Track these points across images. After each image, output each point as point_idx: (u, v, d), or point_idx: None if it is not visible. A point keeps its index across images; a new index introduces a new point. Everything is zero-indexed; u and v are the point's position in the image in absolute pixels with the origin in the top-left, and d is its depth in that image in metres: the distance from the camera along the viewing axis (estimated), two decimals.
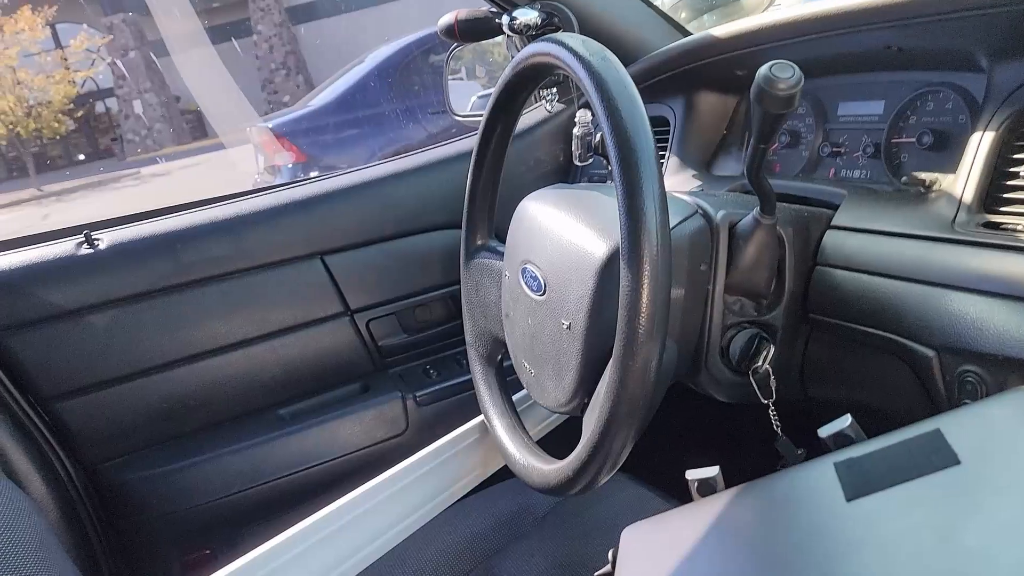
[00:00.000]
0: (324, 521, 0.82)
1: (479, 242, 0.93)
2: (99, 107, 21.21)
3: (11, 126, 16.57)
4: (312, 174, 5.04)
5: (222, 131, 14.06)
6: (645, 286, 0.56)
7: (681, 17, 1.25)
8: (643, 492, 1.00)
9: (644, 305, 0.56)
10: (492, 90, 0.83)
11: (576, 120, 1.13)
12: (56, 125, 16.92)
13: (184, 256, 1.10)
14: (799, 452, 0.71)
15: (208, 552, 1.17)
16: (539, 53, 0.71)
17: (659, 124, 1.14)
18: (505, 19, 1.07)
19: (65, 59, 17.87)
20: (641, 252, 0.56)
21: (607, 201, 0.76)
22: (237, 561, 0.74)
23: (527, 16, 1.05)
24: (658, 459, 1.08)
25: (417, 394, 1.23)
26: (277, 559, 0.77)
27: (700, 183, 1.04)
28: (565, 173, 1.30)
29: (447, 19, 1.12)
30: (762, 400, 0.78)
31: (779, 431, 0.75)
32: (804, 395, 0.86)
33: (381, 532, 0.87)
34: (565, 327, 0.70)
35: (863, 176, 0.87)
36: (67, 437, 1.08)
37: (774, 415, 0.77)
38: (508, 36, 1.10)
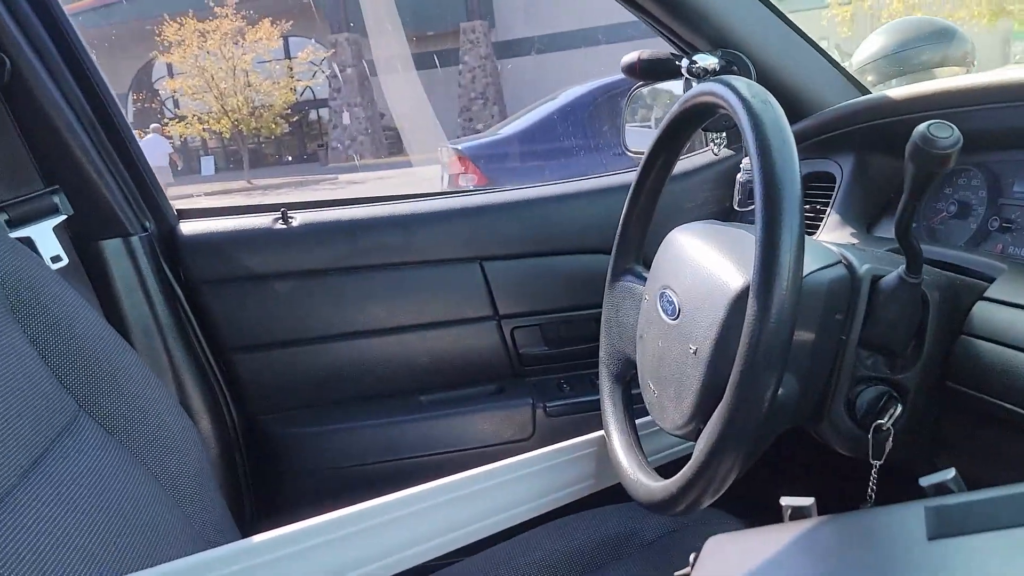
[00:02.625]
0: (434, 491, 0.87)
1: (625, 266, 0.97)
2: (312, 115, 23.34)
3: (236, 123, 18.66)
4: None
5: (411, 148, 14.99)
6: (769, 318, 0.58)
7: (867, 80, 1.24)
8: (736, 525, 0.99)
9: (765, 336, 0.58)
10: None
11: (741, 166, 1.17)
12: (274, 127, 18.85)
13: (361, 242, 1.24)
14: None
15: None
16: (705, 92, 0.76)
17: (826, 180, 1.14)
18: (685, 62, 1.12)
19: (291, 68, 19.88)
20: (770, 285, 0.58)
21: (752, 239, 0.79)
22: (347, 508, 0.81)
23: (707, 61, 1.10)
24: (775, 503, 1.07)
25: (548, 404, 1.29)
26: (384, 515, 0.83)
27: (857, 241, 1.03)
28: (726, 217, 1.32)
29: (630, 57, 1.19)
30: (871, 460, 0.77)
31: (872, 497, 0.74)
32: (932, 465, 0.83)
33: (487, 514, 0.93)
34: (692, 352, 0.73)
35: None
36: (237, 386, 1.24)
37: (874, 478, 0.76)
38: (687, 79, 1.15)
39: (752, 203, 0.88)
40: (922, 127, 0.65)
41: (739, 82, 0.71)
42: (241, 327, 1.24)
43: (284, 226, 1.22)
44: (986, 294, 0.78)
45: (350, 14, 19.50)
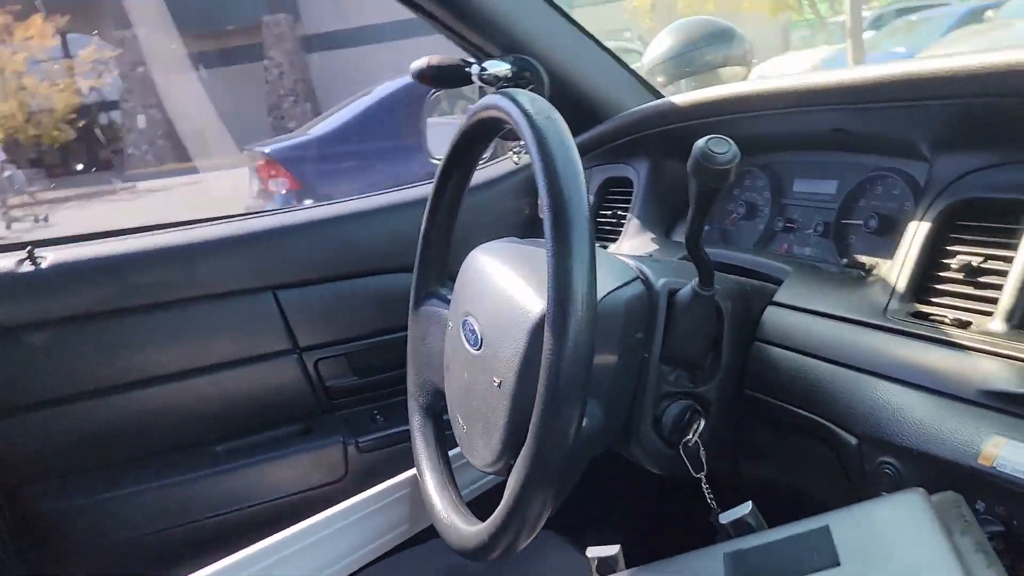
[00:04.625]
0: (245, 562, 0.79)
1: (429, 290, 0.92)
2: (103, 119, 21.33)
3: (11, 131, 16.62)
4: (306, 202, 5.05)
5: (197, 155, 14.16)
6: (565, 348, 0.56)
7: (657, 81, 1.26)
8: (578, 559, 0.97)
9: (563, 367, 0.56)
10: None
11: None
12: (56, 133, 16.98)
13: (130, 279, 1.08)
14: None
15: None
16: (490, 107, 0.72)
17: (623, 184, 1.14)
18: (475, 68, 1.07)
19: (72, 68, 18.03)
20: (564, 314, 0.56)
21: None
22: None
23: (498, 68, 1.06)
24: (600, 526, 1.06)
25: (360, 440, 1.20)
26: None
27: (657, 247, 1.04)
28: (531, 226, 1.30)
29: (420, 63, 1.12)
30: (693, 474, 0.76)
31: (713, 504, 0.74)
32: (735, 471, 0.84)
33: None
34: (496, 385, 0.69)
35: (812, 254, 0.87)
36: None
37: (707, 489, 0.76)
38: (480, 86, 1.10)
39: None
40: (701, 143, 0.64)
41: (522, 96, 0.67)
42: None
43: (32, 267, 1.04)
44: (775, 298, 0.80)
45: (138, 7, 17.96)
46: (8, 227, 10.36)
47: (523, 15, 1.07)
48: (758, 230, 0.95)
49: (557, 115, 0.64)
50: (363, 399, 1.25)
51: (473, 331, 0.75)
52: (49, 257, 1.05)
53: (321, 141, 5.73)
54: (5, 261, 1.04)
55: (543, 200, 0.59)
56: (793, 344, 0.74)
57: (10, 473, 1.07)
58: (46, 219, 10.55)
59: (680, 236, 1.06)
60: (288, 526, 0.85)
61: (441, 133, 1.68)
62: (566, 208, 0.58)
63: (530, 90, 1.06)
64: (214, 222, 1.17)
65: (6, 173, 11.26)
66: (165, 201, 11.96)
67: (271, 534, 0.84)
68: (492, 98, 0.71)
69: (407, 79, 5.58)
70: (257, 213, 1.22)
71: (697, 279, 0.74)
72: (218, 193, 10.73)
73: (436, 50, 1.17)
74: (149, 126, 18.52)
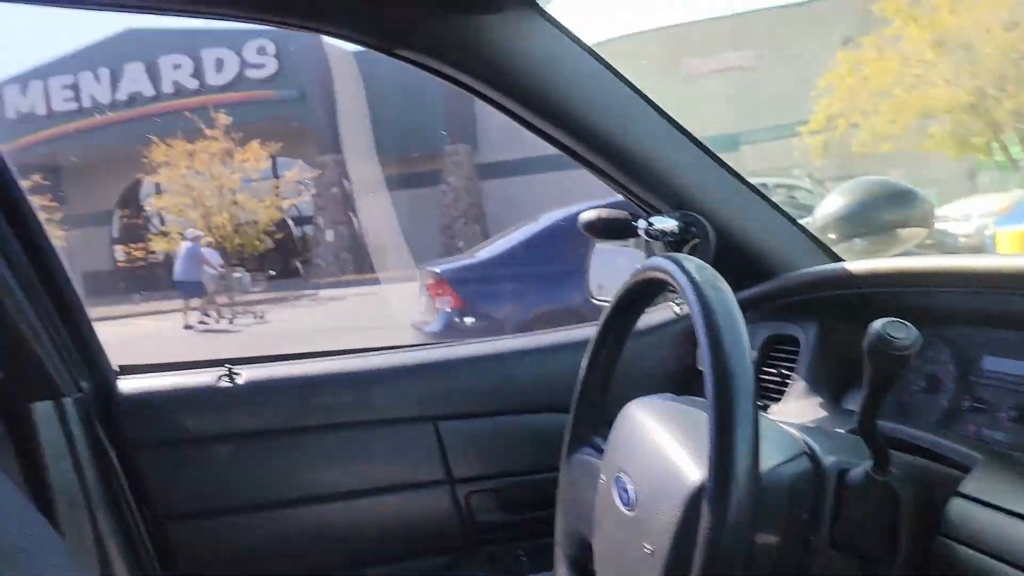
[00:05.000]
0: None
1: (583, 437, 0.92)
2: (297, 232, 23.67)
3: (220, 239, 18.83)
4: (467, 320, 5.26)
5: (380, 267, 15.22)
6: (725, 524, 0.54)
7: (829, 238, 1.23)
8: None
9: (722, 544, 0.54)
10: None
11: None
12: (257, 243, 19.04)
13: (310, 400, 1.17)
14: None
15: None
16: (656, 269, 0.74)
17: (789, 342, 1.11)
18: (642, 223, 1.11)
19: (278, 187, 20.33)
20: (725, 488, 0.55)
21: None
22: None
23: (665, 224, 1.09)
24: None
25: None
26: None
27: (826, 414, 0.98)
28: (687, 377, 1.28)
29: (589, 216, 1.18)
30: None
31: None
32: None
33: None
34: (649, 552, 0.67)
35: (1007, 440, 0.79)
36: (170, 557, 1.14)
37: None
38: (646, 240, 1.13)
39: None
40: (878, 326, 0.62)
41: (689, 263, 0.69)
42: (178, 493, 1.15)
43: (229, 384, 1.16)
44: (961, 489, 0.73)
45: (337, 138, 20.16)
46: (231, 321, 11.67)
47: (691, 172, 1.10)
48: (941, 407, 0.88)
49: (724, 285, 0.65)
50: (510, 536, 1.25)
51: (626, 490, 0.74)
52: (244, 375, 1.17)
53: (487, 264, 5.98)
54: (207, 376, 1.16)
55: (708, 373, 0.60)
56: (984, 546, 0.67)
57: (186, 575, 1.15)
58: (263, 316, 11.76)
59: (851, 403, 1.00)
60: None
61: (605, 262, 1.71)
62: (731, 382, 0.58)
63: (696, 245, 1.08)
64: (383, 351, 1.25)
65: (235, 275, 12.86)
66: (340, 308, 12.88)
67: None
68: (659, 261, 0.73)
69: (571, 209, 5.77)
70: (425, 345, 1.29)
71: (871, 462, 0.70)
72: (391, 305, 11.48)
73: (597, 182, 1.22)
74: (335, 240, 20.29)
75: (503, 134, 20.79)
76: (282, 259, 21.58)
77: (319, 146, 20.54)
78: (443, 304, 5.54)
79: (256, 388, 1.17)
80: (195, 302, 11.82)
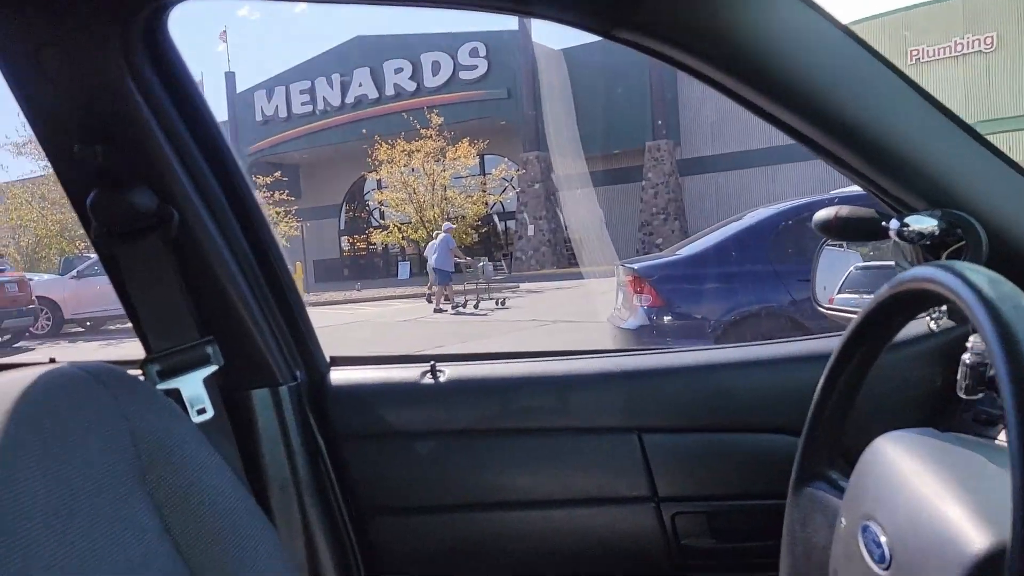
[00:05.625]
0: None
1: (816, 469, 0.80)
2: (500, 226, 24.55)
3: (431, 233, 19.99)
4: (665, 319, 5.12)
5: (584, 261, 15.33)
6: None
7: None
8: None
9: None
10: (873, 265, 0.73)
11: (968, 345, 0.94)
12: (464, 236, 19.96)
13: (511, 402, 1.14)
14: None
15: None
16: (929, 280, 0.60)
17: None
18: (894, 223, 0.95)
19: (484, 184, 21.18)
20: None
21: (997, 473, 0.60)
22: None
23: (923, 224, 0.92)
24: None
25: None
26: None
27: None
28: (940, 403, 1.09)
29: (827, 214, 1.03)
30: None
31: None
32: None
33: None
34: None
35: None
36: (370, 550, 1.16)
37: None
38: (896, 242, 0.97)
39: (982, 392, 0.69)
40: None
41: (977, 275, 0.55)
42: (381, 487, 1.17)
43: (432, 380, 1.16)
44: None
45: (541, 135, 20.59)
46: (476, 307, 12.68)
47: (955, 162, 0.92)
48: None
49: None
50: (719, 566, 1.14)
51: (878, 543, 0.62)
52: (447, 372, 1.16)
53: (688, 262, 5.80)
54: (412, 372, 1.17)
55: (1011, 416, 0.47)
56: None
57: (384, 570, 1.17)
58: (503, 303, 12.67)
59: None
60: None
61: (833, 264, 1.53)
62: None
63: (959, 250, 0.90)
64: (591, 356, 1.19)
65: (480, 263, 13.73)
66: (540, 300, 13.22)
67: None
68: (931, 269, 0.60)
69: (777, 207, 5.43)
70: (632, 351, 1.21)
71: None
72: (589, 301, 11.57)
73: (803, 176, 1.07)
74: (536, 235, 20.75)
75: (706, 130, 20.16)
76: (487, 252, 22.49)
77: (524, 143, 21.11)
78: (641, 302, 5.44)
79: (458, 386, 1.15)
80: (447, 288, 13.05)
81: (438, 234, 13.46)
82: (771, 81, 0.86)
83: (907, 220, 0.93)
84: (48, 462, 0.66)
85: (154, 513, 0.74)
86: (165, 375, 0.99)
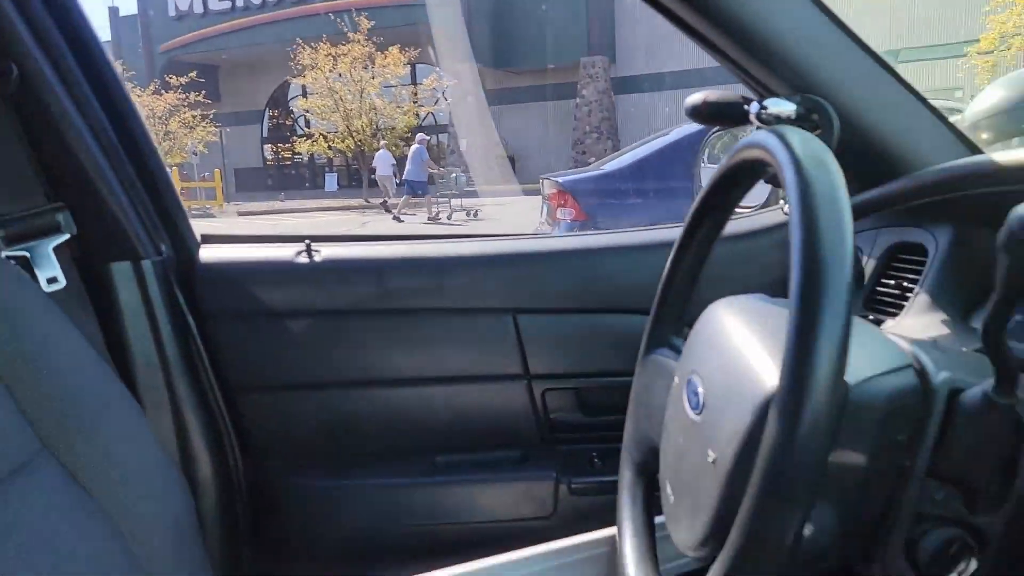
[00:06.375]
0: None
1: (661, 338, 0.84)
2: (432, 140, 24.06)
3: (359, 143, 19.45)
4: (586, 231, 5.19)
5: (504, 180, 15.34)
6: (795, 433, 0.46)
7: (981, 138, 1.05)
8: None
9: (788, 455, 0.47)
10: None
11: None
12: (393, 149, 19.52)
13: (387, 284, 1.15)
14: None
15: None
16: (754, 145, 0.62)
17: (916, 252, 0.96)
18: (754, 106, 0.97)
19: (415, 94, 20.57)
20: (799, 392, 0.46)
21: None
22: None
23: (780, 107, 0.94)
24: None
25: (573, 481, 1.15)
26: None
27: (948, 331, 0.85)
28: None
29: (696, 99, 1.05)
30: None
31: None
32: None
33: None
34: (711, 460, 0.60)
35: None
36: (242, 428, 1.17)
37: None
38: (756, 126, 1.00)
39: None
40: (1021, 210, 0.49)
41: (793, 135, 0.57)
42: (252, 365, 1.16)
43: (307, 260, 1.15)
44: None
45: (475, 47, 20.03)
46: (448, 217, 12.57)
47: (817, 50, 0.94)
48: None
49: (831, 160, 0.54)
50: (584, 438, 1.20)
51: (696, 393, 0.66)
52: (323, 252, 1.15)
53: (611, 177, 5.84)
54: (287, 251, 1.16)
55: (794, 256, 0.50)
56: None
57: (256, 447, 1.18)
58: (476, 214, 12.61)
59: (979, 322, 0.86)
60: (487, 552, 0.84)
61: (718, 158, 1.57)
62: (821, 270, 0.48)
63: (817, 135, 0.93)
64: (468, 239, 1.20)
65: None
66: (509, 211, 13.24)
67: (471, 556, 0.83)
68: (758, 135, 0.62)
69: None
70: (506, 235, 1.23)
71: (993, 381, 0.58)
72: (517, 216, 11.62)
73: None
74: (468, 151, 20.44)
75: (640, 47, 19.98)
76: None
77: (456, 54, 20.49)
78: (564, 215, 5.48)
79: (334, 266, 1.15)
80: (419, 198, 13.10)
81: (412, 147, 13.37)
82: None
83: (766, 103, 0.95)
84: None
85: None
86: (10, 241, 0.95)
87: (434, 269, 1.16)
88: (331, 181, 23.46)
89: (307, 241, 1.16)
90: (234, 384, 1.16)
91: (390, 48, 18.93)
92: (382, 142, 16.08)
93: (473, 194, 14.71)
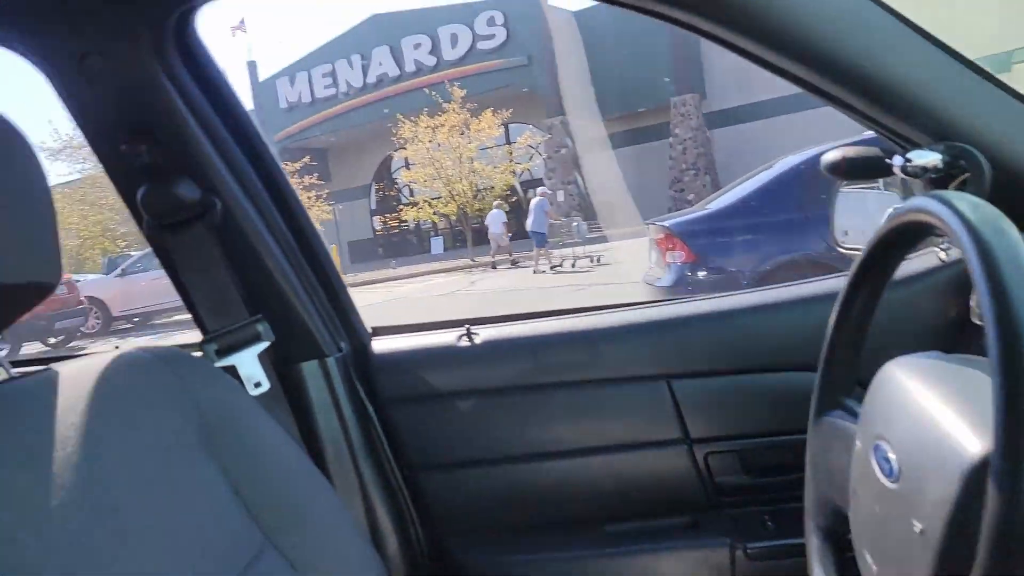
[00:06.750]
0: None
1: (833, 399, 0.85)
2: (529, 194, 24.47)
3: (461, 206, 20.04)
4: (699, 274, 5.12)
5: (607, 225, 15.27)
6: (1018, 508, 0.47)
7: None
8: None
9: (1013, 531, 0.47)
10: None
11: None
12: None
13: (543, 359, 1.20)
14: None
15: None
16: (918, 210, 0.64)
17: None
18: (898, 160, 0.97)
19: (511, 153, 21.08)
20: (1018, 464, 0.47)
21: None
22: None
23: (926, 159, 0.94)
24: None
25: (749, 546, 1.14)
26: None
27: None
28: (957, 331, 1.12)
29: (833, 157, 1.06)
30: None
31: None
32: None
33: None
34: (917, 530, 0.60)
35: None
36: (423, 506, 1.24)
37: None
38: (902, 180, 1.00)
39: None
40: None
41: (961, 200, 0.59)
42: (428, 445, 1.25)
43: (468, 343, 1.23)
44: None
45: (564, 99, 20.39)
46: (573, 265, 12.73)
47: (956, 95, 0.94)
48: None
49: (1008, 226, 0.55)
50: (752, 500, 1.20)
51: (887, 459, 0.66)
52: (481, 334, 1.23)
53: (719, 216, 5.76)
54: (449, 336, 1.24)
55: (990, 328, 0.50)
56: None
57: (437, 523, 1.26)
58: (599, 260, 12.71)
59: None
60: None
61: (851, 206, 1.55)
62: (1020, 335, 0.49)
63: (967, 181, 0.93)
64: (617, 309, 1.25)
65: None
66: (628, 256, 13.23)
67: None
68: (922, 200, 0.63)
69: (809, 153, 5.32)
70: (657, 302, 1.26)
71: None
72: (624, 260, 11.57)
73: (836, 120, 1.09)
74: (566, 200, 20.63)
75: (731, 79, 19.72)
76: (518, 221, 22.50)
77: (548, 109, 20.92)
78: (674, 258, 5.44)
79: (492, 347, 1.22)
80: (543, 250, 13.29)
81: (532, 199, 13.69)
82: (769, 31, 0.89)
83: (910, 155, 0.96)
84: (126, 436, 0.71)
85: (222, 477, 0.78)
86: (222, 353, 1.07)
87: (587, 341, 1.20)
88: (437, 244, 24.23)
89: (467, 326, 1.24)
90: (411, 463, 1.24)
91: (484, 112, 19.56)
92: (495, 202, 16.72)
93: (596, 240, 14.69)
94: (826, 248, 4.90)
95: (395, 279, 16.70)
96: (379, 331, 1.32)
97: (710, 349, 1.18)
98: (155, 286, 11.39)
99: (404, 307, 11.06)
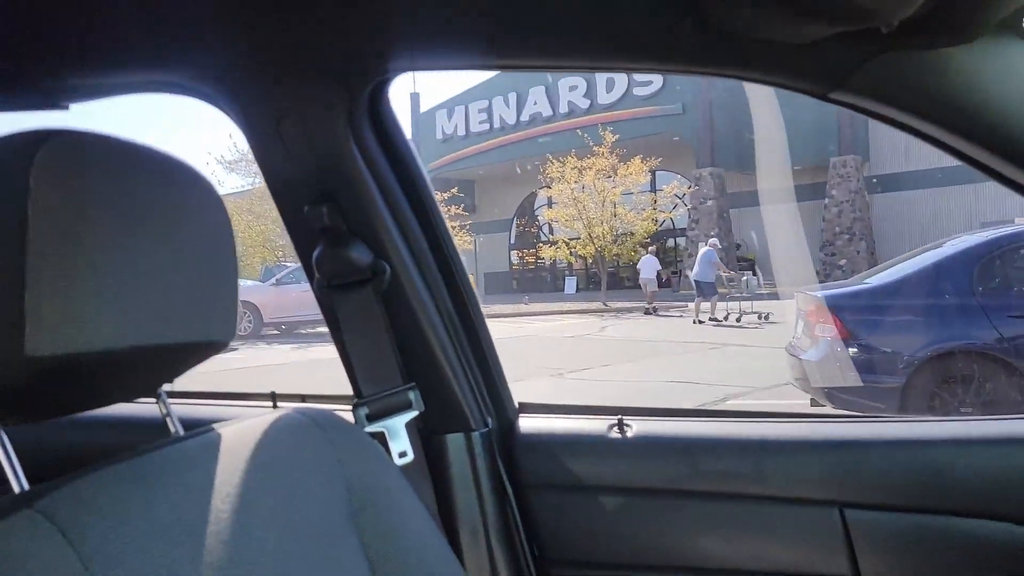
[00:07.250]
0: None
1: None
2: (670, 243, 24.08)
3: (600, 249, 19.97)
4: (851, 351, 4.80)
5: (781, 283, 14.51)
6: None
7: None
8: None
9: None
10: None
11: None
12: (633, 254, 19.77)
13: (700, 464, 1.12)
14: None
15: None
16: None
17: None
18: None
19: (655, 201, 20.85)
20: None
21: None
22: None
23: None
24: None
25: None
26: None
27: None
28: None
29: None
30: None
31: None
32: None
33: None
34: None
35: None
36: None
37: None
38: None
39: None
40: None
41: None
42: (566, 538, 1.19)
43: (620, 435, 1.16)
44: None
45: (716, 150, 19.99)
46: (738, 320, 12.21)
47: None
48: None
49: None
50: None
51: None
52: (634, 427, 1.16)
53: (877, 292, 5.41)
54: (599, 424, 1.19)
55: None
56: None
57: None
58: (767, 317, 11.95)
59: None
60: None
61: None
62: None
63: None
64: (785, 419, 1.14)
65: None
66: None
67: None
68: None
69: (988, 234, 4.92)
70: (833, 417, 1.15)
71: None
72: (765, 326, 11.05)
73: (999, 194, 0.93)
74: (772, 253, 20.00)
75: (898, 144, 18.64)
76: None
77: (698, 159, 20.59)
78: (824, 332, 5.14)
79: (646, 442, 1.15)
80: (711, 300, 12.74)
81: (702, 247, 13.32)
82: (1005, 142, 0.79)
83: None
84: (277, 506, 0.71)
85: (363, 556, 0.77)
86: (372, 418, 1.07)
87: (750, 451, 1.11)
88: (570, 284, 24.26)
89: (620, 417, 1.17)
90: (548, 555, 1.18)
91: (633, 158, 19.50)
92: (651, 248, 16.72)
93: (766, 296, 14.05)
94: (996, 340, 4.47)
95: (527, 315, 16.83)
96: (526, 408, 1.27)
97: (892, 480, 1.05)
98: (303, 297, 12.06)
99: (534, 345, 11.09)
